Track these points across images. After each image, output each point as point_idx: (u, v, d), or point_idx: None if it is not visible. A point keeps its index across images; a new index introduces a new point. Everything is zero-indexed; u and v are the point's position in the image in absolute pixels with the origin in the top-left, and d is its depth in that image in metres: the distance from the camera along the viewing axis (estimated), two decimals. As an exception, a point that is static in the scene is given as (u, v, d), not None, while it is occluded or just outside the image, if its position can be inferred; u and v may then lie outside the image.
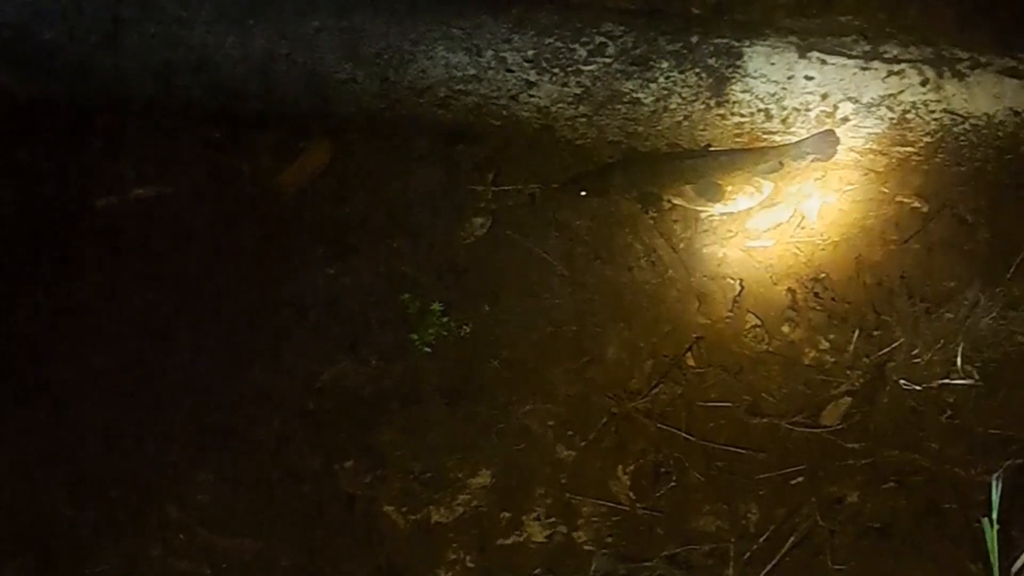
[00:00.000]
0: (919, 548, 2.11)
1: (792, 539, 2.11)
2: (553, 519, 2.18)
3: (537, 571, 2.08)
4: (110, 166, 2.63)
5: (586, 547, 2.14)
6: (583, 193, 2.49)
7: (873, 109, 2.50)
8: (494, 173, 2.54)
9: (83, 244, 2.57)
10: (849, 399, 2.26)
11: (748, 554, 2.11)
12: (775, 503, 2.17)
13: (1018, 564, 1.96)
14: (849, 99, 2.50)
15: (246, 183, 2.59)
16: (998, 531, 1.94)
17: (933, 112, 2.49)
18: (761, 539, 2.12)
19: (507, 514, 2.19)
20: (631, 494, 2.20)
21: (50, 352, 2.44)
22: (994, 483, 1.94)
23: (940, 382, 2.24)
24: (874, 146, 2.51)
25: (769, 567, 2.08)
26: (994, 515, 1.93)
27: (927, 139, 2.49)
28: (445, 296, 2.40)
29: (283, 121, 2.63)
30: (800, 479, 2.19)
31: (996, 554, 1.94)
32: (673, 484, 2.20)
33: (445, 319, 2.37)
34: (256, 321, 2.45)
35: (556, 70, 2.54)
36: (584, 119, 2.57)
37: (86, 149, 2.64)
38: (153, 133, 2.64)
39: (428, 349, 2.35)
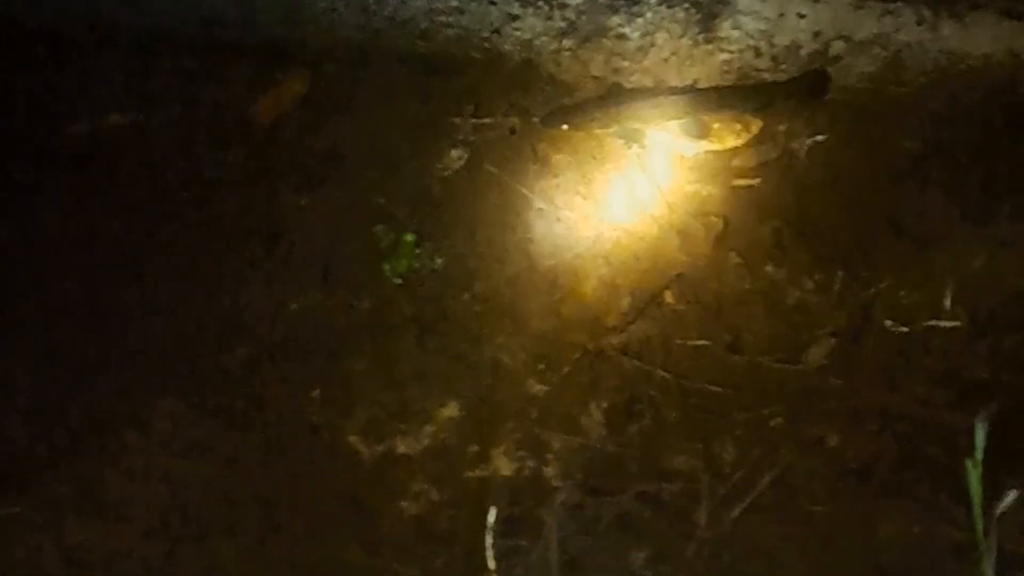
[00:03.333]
0: (900, 490, 2.03)
1: (767, 478, 2.03)
2: (522, 453, 2.11)
3: (501, 503, 2.01)
4: (82, 93, 2.56)
5: (554, 482, 2.07)
6: (564, 127, 2.41)
7: (866, 48, 2.42)
8: (474, 106, 2.47)
9: (53, 171, 2.51)
10: (833, 340, 2.18)
11: (722, 493, 2.03)
12: (752, 443, 2.10)
13: (1002, 506, 1.87)
14: (842, 37, 2.42)
15: (220, 112, 2.52)
16: (984, 474, 1.86)
17: (928, 52, 2.41)
18: (735, 478, 2.04)
19: (475, 447, 2.13)
20: (603, 431, 2.13)
21: (15, 278, 2.38)
22: (978, 423, 1.87)
23: (927, 324, 2.16)
24: (867, 86, 2.42)
25: (743, 506, 2.01)
26: (978, 455, 1.85)
27: (922, 79, 2.41)
28: (419, 228, 2.34)
29: (259, 50, 2.55)
30: (779, 420, 2.12)
31: (979, 495, 1.86)
32: (647, 422, 2.13)
33: (418, 251, 2.30)
34: (225, 250, 2.38)
35: (540, 3, 2.46)
36: (568, 53, 2.50)
37: (58, 75, 2.58)
38: (126, 60, 2.57)
39: (399, 280, 2.29)
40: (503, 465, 2.10)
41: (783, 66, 2.45)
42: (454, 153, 2.43)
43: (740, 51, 2.46)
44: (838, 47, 2.43)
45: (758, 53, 2.46)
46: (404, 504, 2.08)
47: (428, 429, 2.15)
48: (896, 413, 2.10)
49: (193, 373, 2.24)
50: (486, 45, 2.51)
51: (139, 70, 2.56)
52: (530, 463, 2.10)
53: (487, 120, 2.46)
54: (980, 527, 1.83)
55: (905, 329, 2.16)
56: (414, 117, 2.47)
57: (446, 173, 2.42)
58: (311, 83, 2.53)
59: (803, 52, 2.44)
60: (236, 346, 2.27)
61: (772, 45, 2.45)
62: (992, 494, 1.87)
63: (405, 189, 2.40)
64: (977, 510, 1.84)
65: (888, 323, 2.17)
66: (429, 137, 2.45)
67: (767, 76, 2.45)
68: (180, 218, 2.43)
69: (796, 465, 2.06)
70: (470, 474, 2.10)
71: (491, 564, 1.94)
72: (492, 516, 1.98)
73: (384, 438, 2.14)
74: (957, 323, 2.15)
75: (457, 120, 2.46)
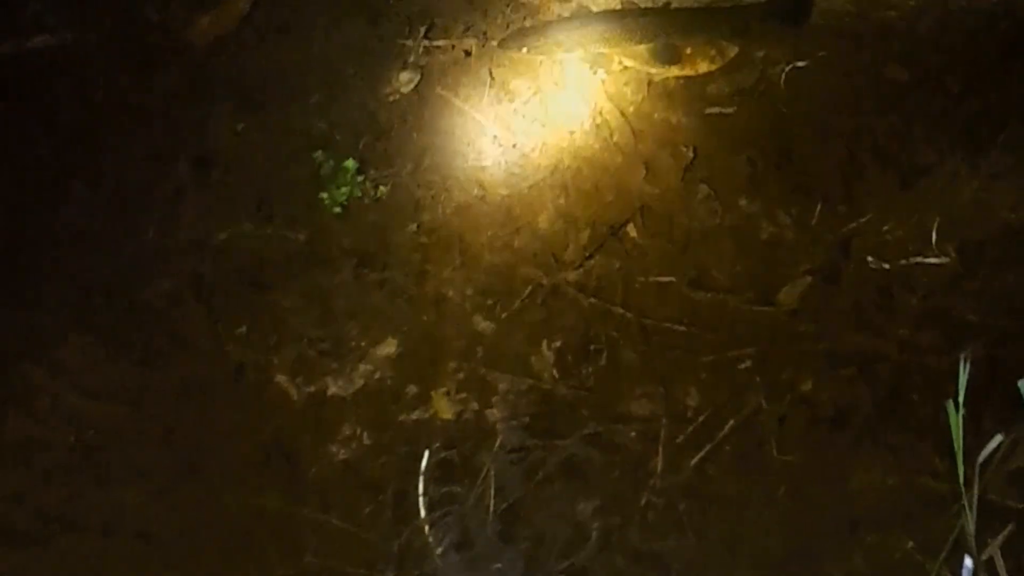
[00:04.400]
0: (878, 440, 1.85)
1: (732, 424, 1.84)
2: (464, 395, 1.93)
3: (435, 446, 1.82)
4: (9, 11, 2.38)
5: (498, 426, 1.89)
6: (524, 51, 2.23)
7: (853, -32, 2.24)
8: (426, 27, 2.29)
9: (-27, 94, 2.33)
10: (809, 278, 2.00)
11: (681, 437, 1.85)
12: (717, 387, 1.92)
13: (985, 453, 1.68)
14: (826, -43, 2.24)
15: (155, 33, 2.34)
16: (968, 419, 1.67)
17: (919, -27, 2.23)
18: (697, 422, 1.85)
19: (413, 388, 1.95)
20: (555, 371, 1.94)
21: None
22: (962, 363, 1.67)
23: (912, 260, 1.98)
24: (852, 8, 2.24)
25: (703, 452, 1.83)
26: (960, 398, 1.66)
27: (911, 3, 2.23)
28: (363, 155, 2.16)
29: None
30: (748, 363, 1.93)
31: (960, 440, 1.67)
32: (603, 362, 1.94)
33: (360, 178, 2.12)
34: (154, 178, 2.21)
35: (501, -83, 2.29)
36: (530, -28, 2.32)
37: (-18, -7, 2.41)
38: (56, -23, 2.40)
39: (338, 209, 2.11)
40: (443, 407, 1.92)
41: (762, -13, 2.27)
42: (403, 76, 2.25)
43: (716, -30, 2.28)
44: (822, -33, 2.25)
45: (735, -28, 2.28)
46: (333, 448, 1.90)
47: (363, 368, 1.97)
48: (875, 356, 1.92)
49: (110, 307, 2.07)
50: (442, -38, 2.33)
51: (68, -13, 2.39)
52: (473, 405, 1.92)
53: (440, 42, 2.28)
54: (961, 476, 1.64)
55: (887, 266, 1.98)
56: (361, 38, 2.29)
57: (394, 97, 2.23)
58: (253, 2, 2.35)
59: (784, -28, 2.26)
60: (158, 278, 2.09)
61: (751, -36, 2.27)
62: (976, 442, 1.68)
63: (349, 114, 2.22)
64: (959, 457, 1.65)
65: (869, 260, 1.99)
66: (377, 59, 2.26)
67: (744, -3, 2.27)
68: (106, 143, 2.25)
69: (764, 411, 1.88)
70: (406, 417, 1.92)
71: (422, 512, 1.75)
72: (425, 460, 1.79)
73: (314, 378, 1.97)
74: (944, 259, 1.97)
75: (408, 42, 2.28)
